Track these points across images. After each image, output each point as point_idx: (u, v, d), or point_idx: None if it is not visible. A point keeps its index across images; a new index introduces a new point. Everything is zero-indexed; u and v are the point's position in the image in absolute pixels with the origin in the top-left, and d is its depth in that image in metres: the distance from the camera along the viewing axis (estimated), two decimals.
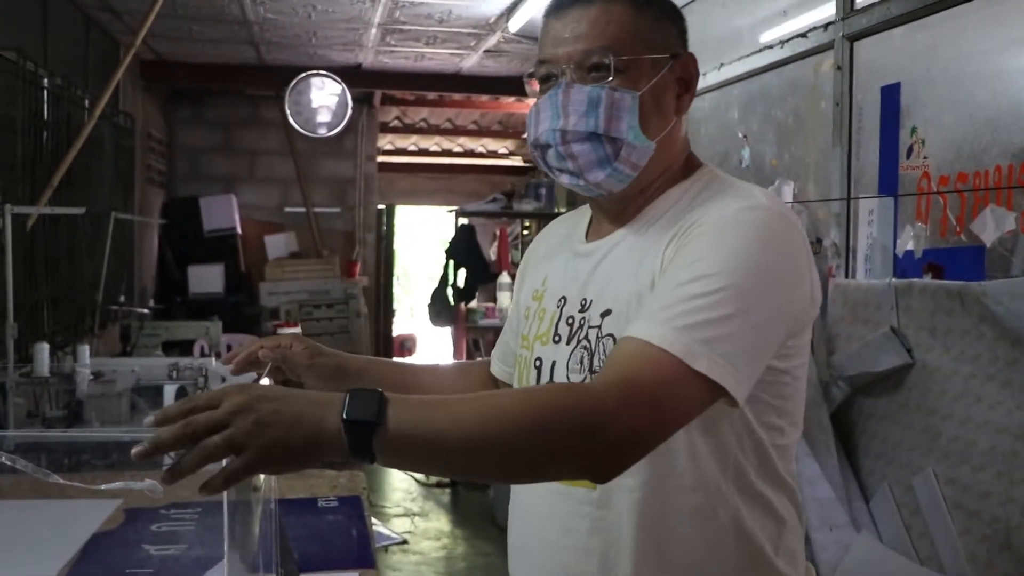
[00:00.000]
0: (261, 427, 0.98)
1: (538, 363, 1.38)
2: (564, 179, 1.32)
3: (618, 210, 1.36)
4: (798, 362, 1.27)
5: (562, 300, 1.37)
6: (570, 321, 1.35)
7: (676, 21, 1.36)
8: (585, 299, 1.33)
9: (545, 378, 1.35)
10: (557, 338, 1.36)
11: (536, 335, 1.40)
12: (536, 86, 1.33)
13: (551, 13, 1.33)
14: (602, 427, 1.04)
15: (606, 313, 1.29)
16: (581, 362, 1.30)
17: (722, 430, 1.23)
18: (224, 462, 0.99)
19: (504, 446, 1.04)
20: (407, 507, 6.02)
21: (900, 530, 2.50)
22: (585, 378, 1.29)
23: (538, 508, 1.35)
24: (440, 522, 5.68)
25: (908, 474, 2.48)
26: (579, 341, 1.32)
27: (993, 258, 2.33)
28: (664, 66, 1.30)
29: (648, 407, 1.07)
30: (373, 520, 2.47)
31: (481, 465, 1.07)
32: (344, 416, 0.99)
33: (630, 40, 1.28)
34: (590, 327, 1.30)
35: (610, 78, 1.26)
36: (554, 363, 1.35)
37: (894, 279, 2.57)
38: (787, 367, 1.24)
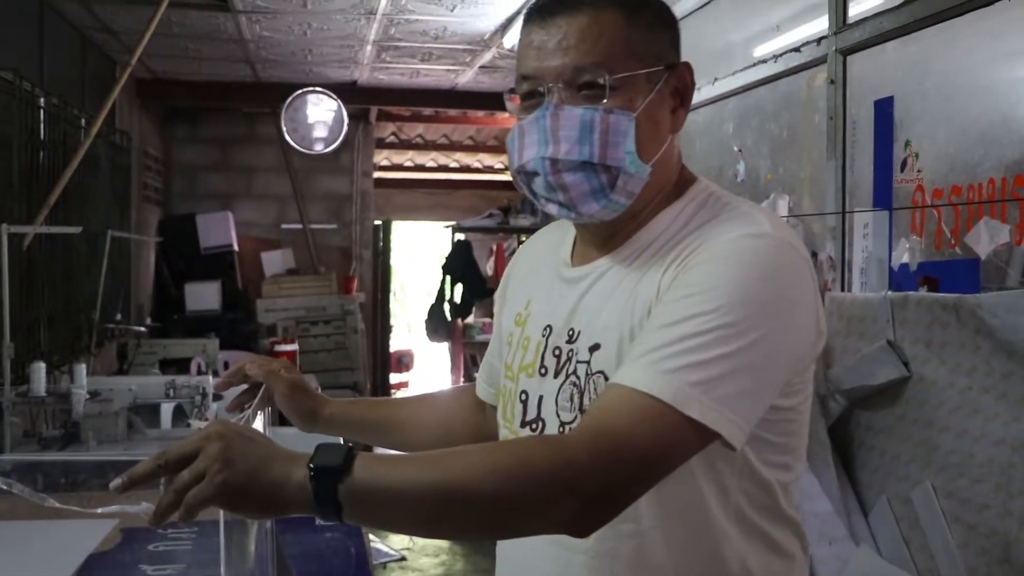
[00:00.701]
0: (228, 456, 0.96)
1: (524, 396, 1.29)
2: (552, 209, 1.21)
3: (607, 234, 1.25)
4: (802, 398, 1.19)
5: (547, 329, 1.28)
6: (556, 352, 1.25)
7: (670, 27, 1.23)
8: (572, 329, 1.24)
9: (532, 413, 1.27)
10: (544, 370, 1.26)
11: (521, 366, 1.30)
12: (518, 102, 1.21)
13: (533, 20, 1.19)
14: (573, 481, 0.98)
15: (595, 348, 1.20)
16: (571, 399, 1.21)
17: (722, 471, 1.15)
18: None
19: (472, 498, 0.98)
20: None
21: (899, 543, 2.50)
22: (575, 417, 1.20)
23: (524, 555, 1.27)
24: (439, 539, 5.67)
25: (906, 487, 2.48)
26: (567, 376, 1.22)
27: (988, 270, 2.34)
28: (659, 79, 1.18)
29: (623, 459, 1.00)
30: (371, 537, 2.47)
31: (450, 518, 1.01)
32: (310, 464, 0.98)
33: (624, 54, 1.15)
34: (578, 361, 1.21)
35: (605, 99, 1.14)
36: (541, 397, 1.26)
37: (890, 292, 2.57)
38: (791, 404, 1.16)
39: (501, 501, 0.99)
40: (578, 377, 1.21)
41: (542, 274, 1.36)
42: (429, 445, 1.43)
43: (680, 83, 1.22)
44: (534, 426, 1.27)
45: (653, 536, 1.16)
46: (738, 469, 1.16)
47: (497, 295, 1.48)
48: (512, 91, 1.22)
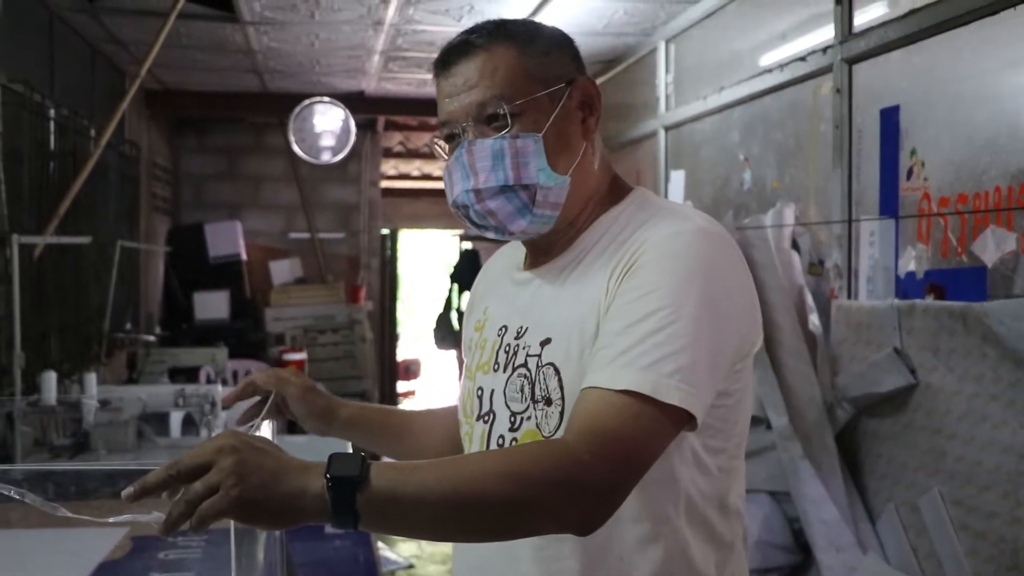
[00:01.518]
0: (242, 470, 0.98)
1: (479, 392, 1.36)
2: (490, 235, 1.31)
3: (550, 242, 1.34)
4: (742, 384, 1.27)
5: (503, 329, 1.36)
6: (507, 349, 1.33)
7: (565, 48, 1.32)
8: (522, 327, 1.32)
9: (486, 406, 1.34)
10: (496, 366, 1.34)
11: (478, 364, 1.39)
12: (445, 148, 1.32)
13: (439, 72, 1.31)
14: (583, 481, 1.04)
15: (545, 342, 1.27)
16: (521, 391, 1.28)
17: (672, 460, 1.21)
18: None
19: (487, 502, 1.03)
20: None
21: (906, 551, 2.50)
22: (527, 407, 1.27)
23: (476, 548, 1.32)
24: (446, 546, 5.66)
25: (914, 495, 2.48)
26: (515, 368, 1.30)
27: (995, 278, 2.34)
28: (562, 96, 1.27)
29: (622, 454, 1.08)
30: (379, 544, 2.48)
31: (465, 523, 1.06)
32: (327, 474, 1.00)
33: (521, 81, 1.25)
34: (528, 355, 1.29)
35: (508, 127, 1.24)
36: (492, 391, 1.33)
37: (896, 300, 2.58)
38: (732, 389, 1.24)
39: (515, 505, 1.04)
40: (528, 369, 1.28)
41: (499, 283, 1.45)
42: (438, 454, 1.50)
43: (584, 95, 1.30)
44: (486, 418, 1.34)
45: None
46: (685, 457, 1.23)
47: (464, 318, 1.55)
48: (436, 138, 1.34)
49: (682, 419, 1.12)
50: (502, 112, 1.24)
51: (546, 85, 1.26)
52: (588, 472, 1.04)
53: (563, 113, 1.27)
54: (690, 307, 1.14)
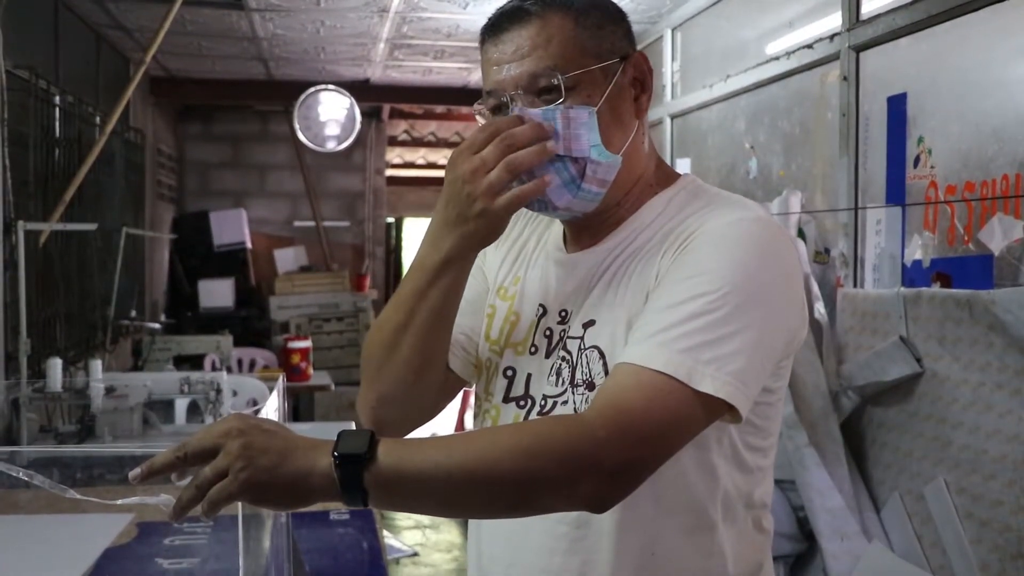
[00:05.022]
0: (249, 452, 0.98)
1: (509, 372, 1.31)
2: (533, 208, 1.24)
3: (598, 223, 1.28)
4: (784, 382, 1.24)
5: (540, 308, 1.31)
6: (548, 333, 1.28)
7: (619, 22, 1.26)
8: (565, 310, 1.27)
9: (520, 390, 1.29)
10: (534, 349, 1.29)
11: (509, 342, 1.33)
12: (489, 118, 1.25)
13: (487, 37, 1.25)
14: (594, 457, 1.01)
15: (589, 324, 1.23)
16: (559, 374, 1.25)
17: (711, 450, 1.19)
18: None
19: (496, 476, 1.01)
20: (418, 519, 6.01)
21: (911, 540, 2.50)
22: (565, 390, 1.24)
23: (511, 527, 1.28)
24: (451, 534, 5.68)
25: (919, 483, 2.48)
26: (557, 353, 1.26)
27: (1001, 267, 2.33)
28: (616, 72, 1.22)
29: (641, 434, 1.04)
30: (384, 533, 2.48)
31: (474, 498, 1.04)
32: (335, 452, 0.99)
33: (576, 53, 1.19)
34: (570, 338, 1.25)
35: (562, 99, 1.18)
36: (529, 375, 1.29)
37: (902, 288, 2.57)
38: (776, 387, 1.21)
39: (524, 479, 1.02)
40: (569, 352, 1.24)
41: (535, 256, 1.38)
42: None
43: (637, 72, 1.25)
44: (522, 403, 1.29)
45: (634, 509, 1.17)
46: (725, 452, 1.20)
47: (482, 268, 1.44)
48: (480, 107, 1.27)
49: (718, 408, 1.08)
50: (555, 83, 1.18)
51: (600, 59, 1.21)
52: (602, 448, 1.01)
53: (616, 90, 1.22)
54: (740, 295, 1.10)
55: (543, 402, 1.26)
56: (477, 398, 1.39)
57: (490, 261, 1.43)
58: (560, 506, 1.07)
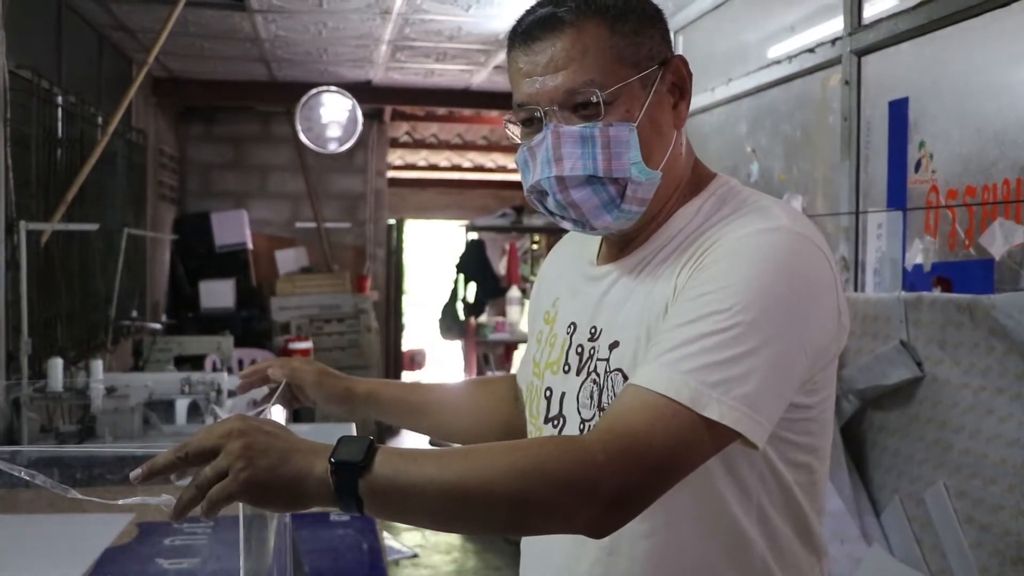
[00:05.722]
0: (250, 453, 0.98)
1: (548, 393, 1.29)
2: (567, 225, 1.22)
3: (628, 237, 1.24)
4: (825, 395, 1.16)
5: (572, 327, 1.28)
6: (579, 351, 1.25)
7: (657, 23, 1.20)
8: (595, 327, 1.23)
9: (555, 409, 1.27)
10: (567, 367, 1.26)
11: (547, 363, 1.31)
12: (518, 132, 1.21)
13: (518, 45, 1.18)
14: (591, 481, 0.98)
15: (614, 345, 1.19)
16: (591, 397, 1.21)
17: (742, 471, 1.13)
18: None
19: (490, 496, 0.99)
20: None
21: (911, 544, 2.50)
22: (595, 415, 1.20)
23: (549, 550, 1.27)
24: (452, 536, 5.68)
25: (919, 487, 2.48)
26: (588, 373, 1.22)
27: (1002, 271, 2.33)
28: (655, 80, 1.16)
29: (641, 460, 0.99)
30: (384, 534, 2.48)
31: (467, 515, 1.02)
32: (331, 459, 0.99)
33: (614, 64, 1.13)
34: (598, 359, 1.21)
35: (601, 115, 1.13)
36: (563, 394, 1.26)
37: (903, 293, 2.57)
38: (813, 402, 1.14)
39: (519, 502, 0.99)
40: (598, 375, 1.21)
41: (570, 273, 1.36)
42: (460, 432, 1.50)
43: (676, 77, 1.20)
44: (556, 422, 1.27)
45: (668, 536, 1.15)
46: (759, 470, 1.14)
47: (532, 296, 1.48)
48: (510, 119, 1.22)
49: (726, 435, 1.02)
50: (595, 100, 1.12)
51: (638, 68, 1.14)
52: (600, 473, 0.97)
53: (656, 100, 1.16)
54: (756, 313, 1.03)
55: (581, 426, 1.23)
56: (526, 420, 1.37)
57: (538, 298, 1.44)
58: (558, 529, 1.03)
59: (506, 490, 0.98)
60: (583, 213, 1.17)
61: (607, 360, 1.20)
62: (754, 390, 1.02)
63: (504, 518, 1.02)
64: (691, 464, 1.04)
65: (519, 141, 1.21)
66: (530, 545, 1.34)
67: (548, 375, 1.30)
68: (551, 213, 1.22)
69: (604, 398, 1.19)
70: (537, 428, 1.32)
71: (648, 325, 1.15)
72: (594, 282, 1.28)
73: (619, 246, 1.27)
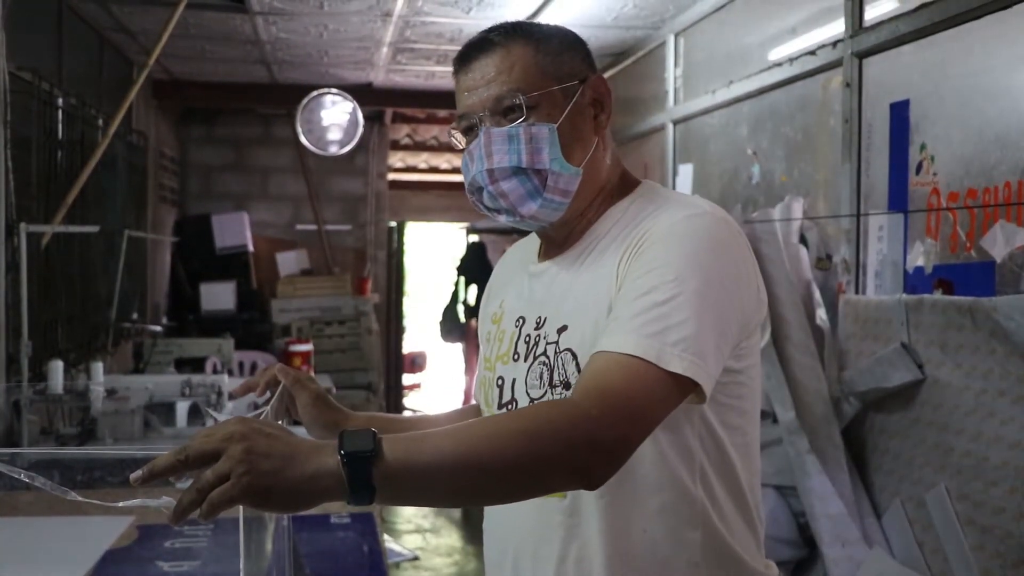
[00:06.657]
0: (251, 457, 0.98)
1: (500, 382, 1.42)
2: (502, 218, 1.37)
3: (564, 234, 1.41)
4: (751, 362, 1.33)
5: (520, 320, 1.42)
6: (527, 339, 1.39)
7: (578, 48, 1.40)
8: (540, 316, 1.38)
9: (507, 395, 1.40)
10: (516, 356, 1.40)
11: (498, 355, 1.44)
12: (462, 139, 1.40)
13: (458, 68, 1.39)
14: (589, 434, 1.08)
15: (562, 329, 1.33)
16: (540, 377, 1.34)
17: (684, 430, 1.28)
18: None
19: (499, 462, 1.06)
20: (418, 523, 6.01)
21: (912, 546, 2.49)
22: (545, 392, 1.34)
23: (513, 521, 1.38)
24: (451, 538, 5.68)
25: (920, 490, 2.48)
26: (536, 357, 1.36)
27: (1003, 274, 2.33)
28: (575, 93, 1.35)
29: (626, 412, 1.12)
30: (385, 536, 2.48)
31: (479, 485, 1.09)
32: (341, 451, 1.00)
33: (537, 76, 1.33)
34: (548, 343, 1.34)
35: (524, 117, 1.31)
36: (514, 380, 1.39)
37: (904, 295, 2.57)
38: (741, 367, 1.30)
39: (529, 461, 1.07)
40: (548, 356, 1.34)
41: (515, 277, 1.52)
42: None
43: (596, 92, 1.38)
44: (509, 407, 1.39)
45: (620, 494, 1.27)
46: (699, 431, 1.29)
47: (480, 312, 1.62)
48: (454, 130, 1.41)
49: (687, 387, 1.17)
50: (518, 103, 1.31)
51: (560, 81, 1.34)
52: (598, 426, 1.09)
53: (576, 109, 1.35)
54: (694, 282, 1.20)
55: (531, 404, 1.34)
56: (481, 412, 1.50)
57: (486, 306, 1.57)
58: (563, 484, 1.17)
59: (519, 453, 1.06)
60: (511, 202, 1.34)
61: (556, 343, 1.33)
62: (703, 347, 1.18)
63: (518, 481, 1.09)
64: (663, 414, 1.18)
65: (462, 148, 1.40)
66: (493, 517, 1.45)
67: (499, 366, 1.43)
68: (488, 209, 1.39)
69: (556, 376, 1.32)
70: (491, 414, 1.43)
71: (595, 306, 1.29)
72: (536, 278, 1.44)
73: (557, 244, 1.43)
